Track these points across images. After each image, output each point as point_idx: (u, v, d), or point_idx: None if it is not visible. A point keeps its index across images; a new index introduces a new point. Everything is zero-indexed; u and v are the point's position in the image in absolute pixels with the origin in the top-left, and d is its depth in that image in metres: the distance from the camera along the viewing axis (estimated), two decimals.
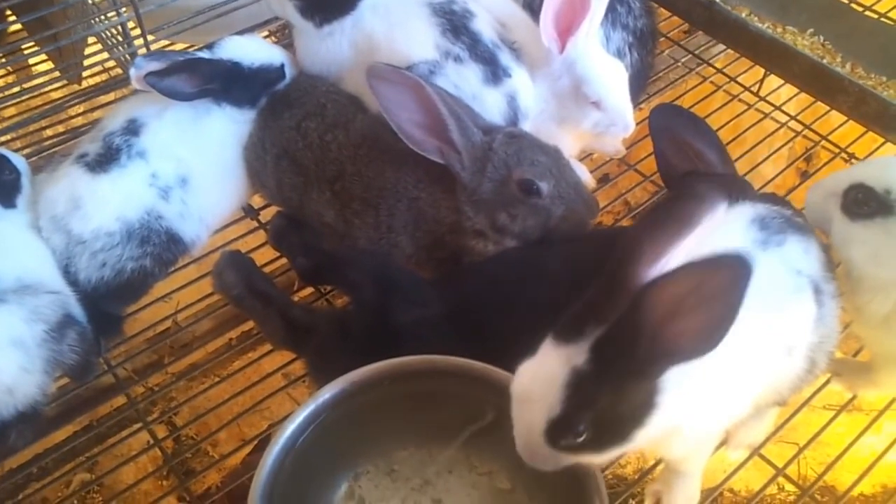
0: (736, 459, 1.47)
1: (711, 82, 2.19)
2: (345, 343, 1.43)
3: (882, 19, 2.07)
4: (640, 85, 1.96)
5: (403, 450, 1.32)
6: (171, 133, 1.62)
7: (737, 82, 2.15)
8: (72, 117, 2.15)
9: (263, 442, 1.54)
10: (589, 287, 1.03)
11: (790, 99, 2.11)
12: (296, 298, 1.71)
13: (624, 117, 1.68)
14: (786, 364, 1.22)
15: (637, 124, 1.71)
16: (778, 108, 2.09)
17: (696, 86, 2.21)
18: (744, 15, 2.02)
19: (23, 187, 1.58)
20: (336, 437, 1.26)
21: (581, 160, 1.91)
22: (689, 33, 2.34)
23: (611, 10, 1.79)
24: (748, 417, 1.27)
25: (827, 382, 1.53)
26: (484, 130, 1.50)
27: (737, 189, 1.33)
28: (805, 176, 2.18)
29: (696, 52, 2.25)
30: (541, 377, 1.01)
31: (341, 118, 1.64)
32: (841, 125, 1.99)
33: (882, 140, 1.88)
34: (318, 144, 1.62)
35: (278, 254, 1.74)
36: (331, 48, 1.71)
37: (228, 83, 1.64)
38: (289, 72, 1.74)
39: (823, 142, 2.02)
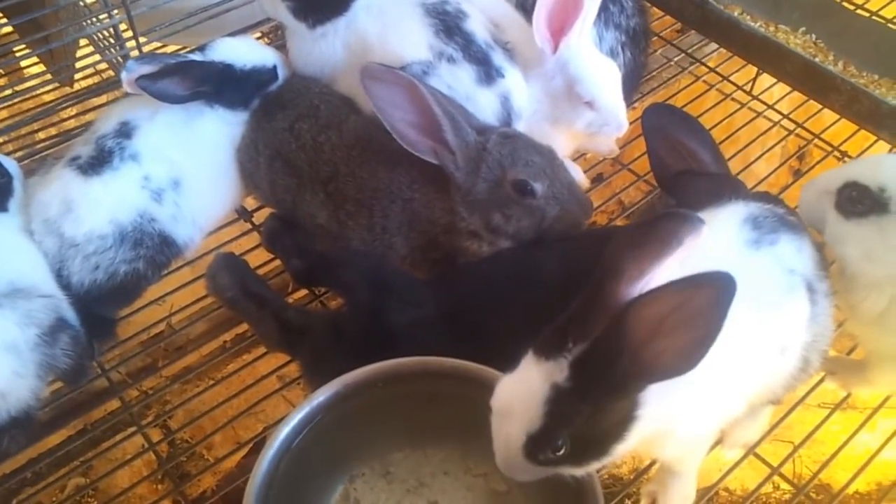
0: (731, 458, 1.47)
1: (704, 81, 2.19)
2: (339, 345, 1.43)
3: (873, 17, 2.08)
4: (633, 84, 1.97)
5: (399, 451, 1.32)
6: (163, 135, 1.61)
7: (729, 81, 2.16)
8: (64, 120, 2.14)
9: (259, 445, 1.53)
10: (580, 292, 1.03)
11: (783, 97, 2.11)
12: (290, 300, 1.71)
13: (617, 117, 1.68)
14: (779, 363, 1.22)
15: (630, 123, 1.72)
16: (770, 106, 2.10)
17: (688, 85, 2.21)
18: (736, 14, 2.03)
19: (14, 191, 1.57)
20: (331, 439, 1.26)
21: (575, 160, 1.91)
22: (681, 32, 2.34)
23: (603, 9, 1.80)
24: (743, 417, 1.27)
25: (821, 381, 1.54)
26: (478, 131, 1.50)
27: (729, 188, 1.34)
28: (798, 174, 2.19)
29: (689, 51, 2.26)
30: (521, 392, 1.02)
31: (334, 119, 1.63)
32: (833, 123, 2.00)
33: (874, 138, 1.88)
34: (311, 146, 1.62)
35: (272, 256, 1.73)
36: (324, 49, 1.71)
37: (221, 85, 1.63)
38: (281, 73, 1.74)
39: (816, 140, 2.02)
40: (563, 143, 1.74)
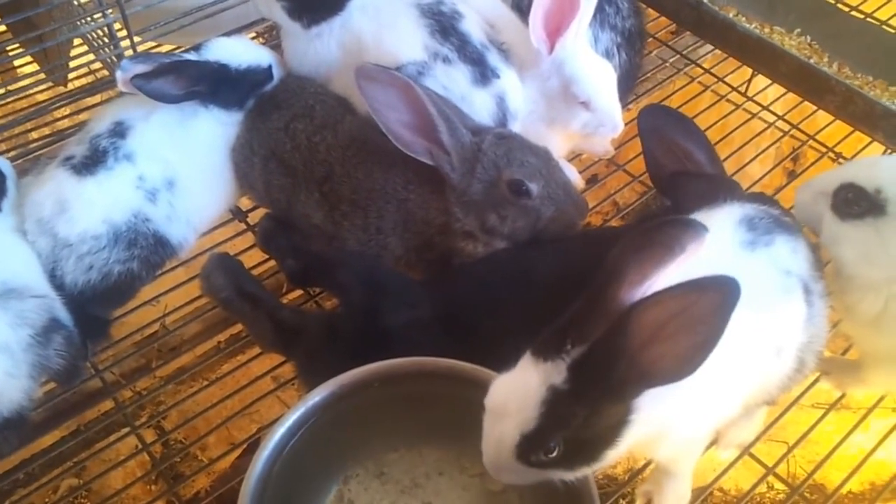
0: (726, 459, 1.47)
1: (699, 82, 2.20)
2: (334, 345, 1.43)
3: (868, 19, 2.08)
4: (628, 85, 1.97)
5: (393, 452, 1.32)
6: (157, 135, 1.60)
7: (724, 82, 2.16)
8: (57, 119, 2.13)
9: (253, 445, 1.53)
10: (576, 293, 1.03)
11: (777, 99, 2.12)
12: (285, 301, 1.71)
13: (613, 118, 1.68)
14: (775, 364, 1.22)
15: (626, 125, 1.72)
16: (765, 108, 2.10)
17: (683, 86, 2.21)
18: (731, 15, 2.03)
19: (8, 191, 1.57)
20: (325, 440, 1.25)
21: (570, 161, 1.91)
22: (676, 34, 2.34)
23: (599, 10, 1.80)
24: (738, 417, 1.28)
25: (816, 381, 1.54)
26: (473, 131, 1.50)
27: (725, 189, 1.34)
28: (792, 175, 2.19)
29: (684, 52, 2.26)
30: (517, 392, 1.02)
31: (330, 119, 1.63)
32: (828, 125, 2.00)
33: (869, 139, 1.88)
34: (306, 146, 1.62)
35: (267, 256, 1.73)
36: (319, 49, 1.70)
37: (216, 85, 1.63)
38: (276, 73, 1.73)
39: (811, 141, 2.03)
40: (558, 144, 1.74)
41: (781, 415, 1.51)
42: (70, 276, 1.52)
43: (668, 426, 1.11)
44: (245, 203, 1.86)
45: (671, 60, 2.25)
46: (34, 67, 2.22)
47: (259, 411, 1.68)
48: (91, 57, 2.16)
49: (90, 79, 2.22)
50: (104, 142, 1.57)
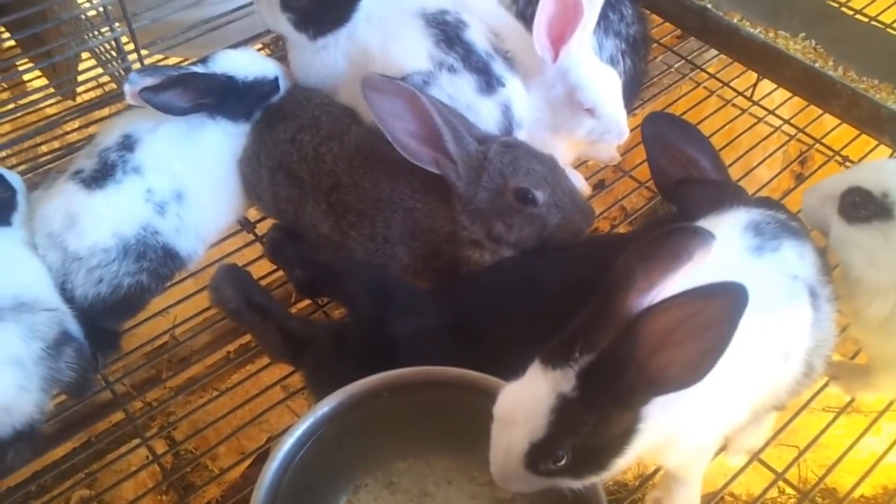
0: (736, 465, 1.47)
1: (704, 87, 2.20)
2: (342, 355, 1.43)
3: (872, 22, 2.08)
4: (633, 91, 1.97)
5: (402, 461, 1.32)
6: (165, 148, 1.61)
7: (730, 87, 2.16)
8: (67, 133, 2.15)
9: (263, 455, 1.54)
10: (583, 301, 1.03)
11: (784, 103, 2.11)
12: (293, 311, 1.71)
13: (618, 124, 1.68)
14: (783, 369, 1.22)
15: (631, 131, 1.72)
16: (771, 112, 2.10)
17: (689, 91, 2.21)
18: (735, 20, 2.03)
19: (18, 205, 1.58)
20: (335, 450, 1.26)
21: (576, 167, 1.91)
22: (681, 38, 2.34)
23: (603, 17, 1.80)
24: (747, 423, 1.27)
25: (825, 386, 1.53)
26: (479, 140, 1.50)
27: (730, 195, 1.34)
28: (800, 179, 2.19)
29: (689, 57, 2.26)
30: (526, 400, 1.02)
31: (336, 130, 1.64)
32: (834, 128, 2.00)
33: (876, 142, 1.88)
34: (312, 157, 1.62)
35: (275, 266, 1.74)
36: (325, 60, 1.71)
37: (223, 97, 1.64)
38: (283, 84, 1.74)
39: (817, 145, 2.02)
40: (564, 152, 1.74)
41: (791, 420, 1.51)
42: (80, 289, 1.53)
43: (677, 433, 1.11)
44: (253, 214, 1.87)
45: (676, 65, 2.25)
46: (44, 82, 2.24)
47: (269, 421, 1.68)
48: (99, 70, 2.18)
49: (99, 92, 2.24)
50: (113, 155, 1.59)
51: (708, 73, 2.21)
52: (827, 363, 1.31)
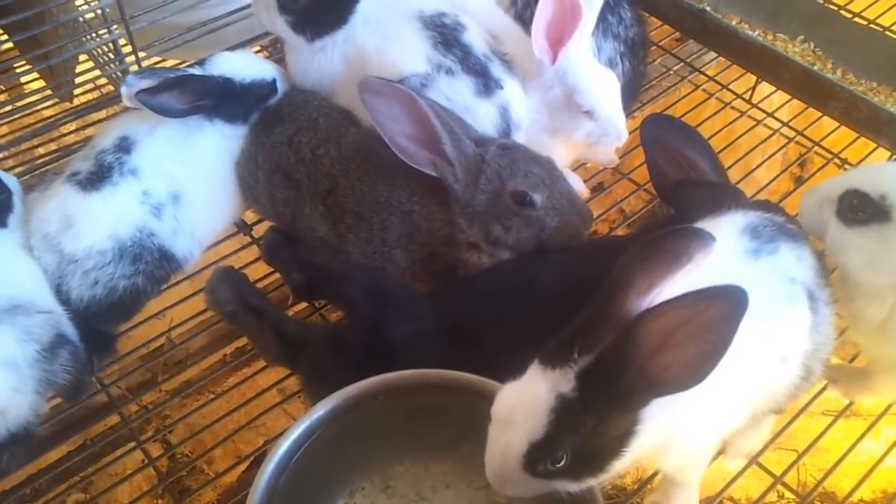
0: (734, 468, 1.46)
1: (703, 90, 2.20)
2: (339, 358, 1.43)
3: (871, 25, 2.08)
4: (632, 94, 1.97)
5: (399, 465, 1.32)
6: (162, 150, 1.61)
7: (729, 90, 2.16)
8: (64, 135, 2.15)
9: (259, 459, 1.53)
10: (582, 303, 1.03)
11: (783, 105, 2.11)
12: (290, 313, 1.71)
13: (617, 127, 1.68)
14: (781, 372, 1.22)
15: (630, 133, 1.72)
16: (770, 114, 2.10)
17: (688, 94, 2.21)
18: (734, 23, 2.03)
19: (14, 207, 1.57)
20: (331, 453, 1.25)
21: (575, 170, 1.91)
22: (680, 41, 2.34)
23: (601, 20, 1.80)
24: (745, 426, 1.27)
25: (823, 389, 1.53)
26: (476, 142, 1.50)
27: (728, 197, 1.34)
28: (800, 181, 2.18)
29: (688, 59, 2.26)
30: (525, 400, 1.02)
31: (333, 132, 1.63)
32: (833, 131, 1.99)
33: (875, 145, 1.88)
34: (310, 159, 1.62)
35: (272, 269, 1.73)
36: (323, 63, 1.71)
37: (220, 99, 1.63)
38: (280, 86, 1.74)
39: (816, 147, 2.02)
40: (562, 154, 1.74)
41: (789, 423, 1.50)
42: (76, 291, 1.53)
43: (675, 436, 1.11)
44: (250, 216, 1.86)
45: (675, 68, 2.25)
46: (41, 84, 2.24)
47: (265, 424, 1.68)
48: (97, 73, 2.18)
49: (96, 94, 2.24)
50: (109, 157, 1.58)
51: (707, 75, 2.21)
52: (825, 366, 1.31)
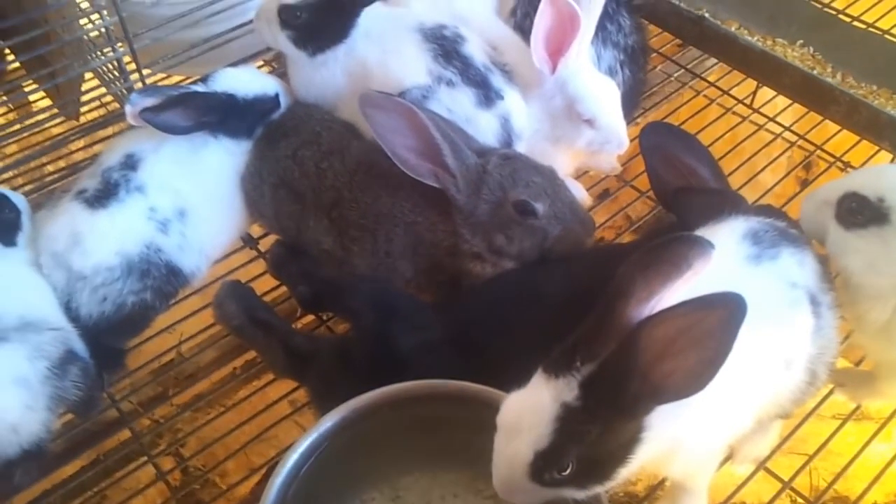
0: (742, 474, 1.47)
1: (705, 96, 2.20)
2: (346, 370, 1.44)
3: (870, 29, 2.08)
4: (633, 101, 1.97)
5: (408, 475, 1.32)
6: (168, 166, 1.63)
7: (730, 95, 2.16)
8: (72, 152, 2.17)
9: (271, 470, 1.53)
10: (586, 311, 1.04)
11: (785, 109, 2.12)
12: (297, 326, 1.72)
13: (618, 134, 1.69)
14: (785, 377, 1.22)
15: (632, 140, 1.72)
16: (771, 119, 2.10)
17: (689, 100, 2.21)
18: (733, 29, 2.04)
19: (23, 225, 1.59)
20: (340, 464, 1.26)
21: (578, 177, 1.92)
22: (682, 47, 2.35)
23: (601, 28, 1.81)
24: (751, 431, 1.27)
25: (830, 393, 1.53)
26: (478, 153, 1.51)
27: (729, 203, 1.35)
28: (805, 184, 2.18)
29: (689, 66, 2.26)
30: (530, 409, 1.02)
31: (336, 145, 1.65)
32: (835, 134, 1.99)
33: (877, 148, 1.88)
34: (314, 172, 1.63)
35: (279, 282, 1.75)
36: (325, 76, 1.73)
37: (224, 115, 1.65)
38: (283, 101, 1.75)
39: (818, 152, 2.02)
40: (564, 162, 1.75)
41: (796, 428, 1.50)
42: (85, 307, 1.54)
43: (680, 442, 1.11)
44: (256, 230, 1.88)
45: (676, 74, 2.26)
46: (48, 102, 2.26)
47: (277, 436, 1.68)
48: (103, 90, 2.20)
49: (102, 112, 2.25)
50: (116, 174, 1.60)
51: (708, 81, 2.22)
52: (831, 370, 1.31)
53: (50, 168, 2.12)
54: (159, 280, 1.60)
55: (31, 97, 2.34)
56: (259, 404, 1.64)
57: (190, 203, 1.64)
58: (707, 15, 2.07)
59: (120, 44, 1.98)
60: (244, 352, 1.73)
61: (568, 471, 1.01)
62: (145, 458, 1.58)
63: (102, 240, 1.55)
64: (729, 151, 2.01)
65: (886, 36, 2.06)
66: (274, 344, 1.53)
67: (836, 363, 1.34)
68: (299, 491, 1.21)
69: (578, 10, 1.56)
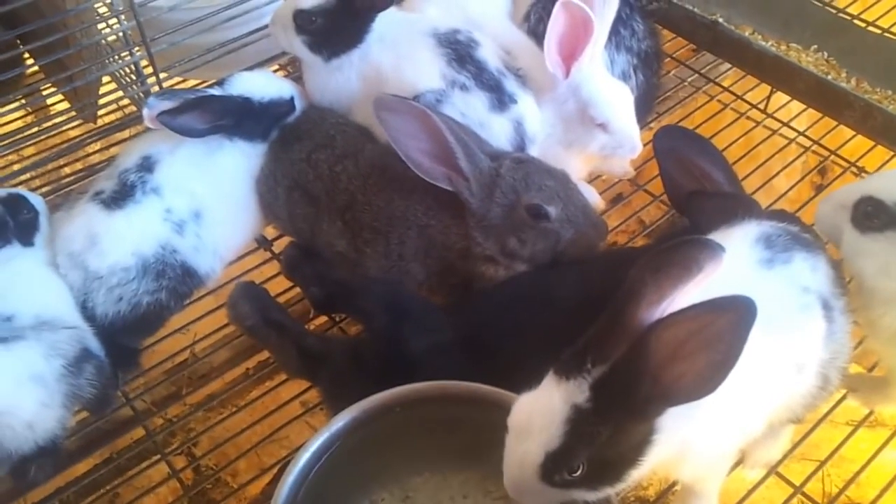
0: (754, 478, 1.46)
1: (718, 101, 2.20)
2: (358, 371, 1.45)
3: (885, 34, 2.08)
4: (646, 106, 1.97)
5: (418, 476, 1.32)
6: (184, 169, 1.64)
7: (744, 100, 2.16)
8: (89, 154, 2.19)
9: (282, 470, 1.54)
10: (597, 314, 1.04)
11: (799, 114, 2.11)
12: (310, 327, 1.73)
13: (631, 139, 1.69)
14: (797, 382, 1.22)
15: (645, 145, 1.72)
16: (786, 124, 2.09)
17: (703, 104, 2.21)
18: (747, 34, 2.04)
19: (41, 226, 1.61)
20: (350, 465, 1.26)
21: (591, 181, 1.92)
22: (696, 52, 2.35)
23: (614, 33, 1.81)
24: (763, 436, 1.27)
25: (842, 399, 1.52)
26: (491, 156, 1.52)
27: (742, 207, 1.34)
28: (820, 188, 2.17)
29: (703, 70, 2.26)
30: (541, 410, 1.03)
31: (350, 149, 1.66)
32: (850, 139, 1.99)
33: (892, 153, 1.87)
34: (328, 175, 1.64)
35: (292, 283, 1.76)
36: (339, 81, 1.74)
37: (239, 118, 1.66)
38: (298, 105, 1.77)
39: (833, 156, 2.01)
40: (577, 166, 1.75)
41: (809, 433, 1.50)
42: (100, 307, 1.56)
43: (691, 445, 1.11)
44: (270, 232, 1.89)
45: (690, 79, 2.25)
46: (66, 105, 2.29)
47: (289, 437, 1.69)
48: (120, 94, 2.22)
49: (119, 115, 2.28)
50: (132, 176, 1.61)
51: (722, 86, 2.21)
52: (843, 375, 1.31)
53: (67, 170, 2.15)
54: (174, 280, 1.61)
55: (50, 100, 2.37)
56: (271, 404, 1.65)
57: (205, 205, 1.65)
58: (721, 20, 2.07)
59: (137, 48, 2.01)
60: (257, 352, 1.74)
61: (578, 472, 1.02)
62: (158, 457, 1.60)
63: (119, 240, 1.56)
64: (743, 156, 2.01)
65: None
66: (287, 344, 1.54)
67: (848, 368, 1.33)
68: (310, 491, 1.22)
69: (592, 14, 1.56)
